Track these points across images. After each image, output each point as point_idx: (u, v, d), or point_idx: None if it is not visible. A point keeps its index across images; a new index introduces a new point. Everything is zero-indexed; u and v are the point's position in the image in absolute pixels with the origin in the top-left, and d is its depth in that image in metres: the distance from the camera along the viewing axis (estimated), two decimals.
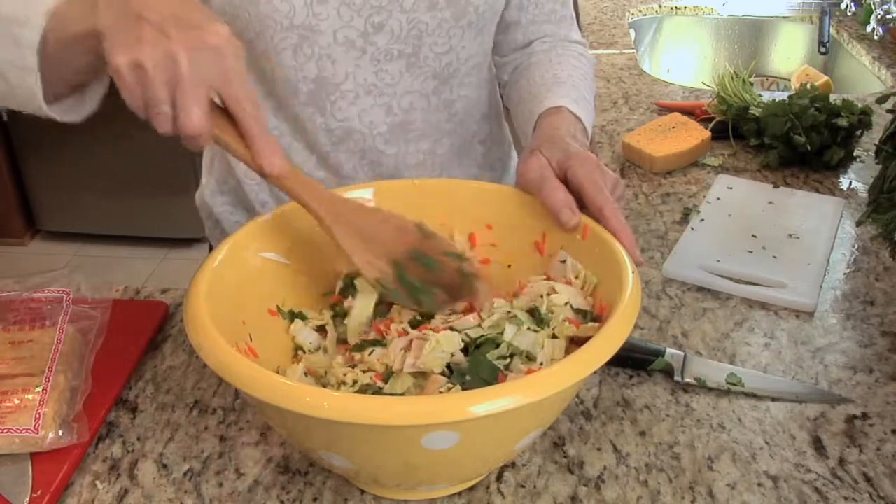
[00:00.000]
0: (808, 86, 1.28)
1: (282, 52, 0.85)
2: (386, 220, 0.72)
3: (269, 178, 0.65)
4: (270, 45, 0.84)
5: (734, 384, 0.76)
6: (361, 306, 0.73)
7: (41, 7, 0.65)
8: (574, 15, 1.03)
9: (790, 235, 1.01)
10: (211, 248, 1.14)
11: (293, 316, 0.74)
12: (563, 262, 0.74)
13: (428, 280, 0.73)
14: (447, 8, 0.86)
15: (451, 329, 0.68)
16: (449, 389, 0.63)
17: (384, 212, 0.73)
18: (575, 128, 0.83)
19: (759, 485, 0.67)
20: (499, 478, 0.68)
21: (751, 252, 0.98)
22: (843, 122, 1.17)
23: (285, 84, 0.88)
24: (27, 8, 0.65)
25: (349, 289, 0.75)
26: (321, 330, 0.74)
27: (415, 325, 0.71)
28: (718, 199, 1.10)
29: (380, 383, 0.65)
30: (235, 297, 0.67)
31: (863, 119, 1.21)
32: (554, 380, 0.54)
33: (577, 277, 0.72)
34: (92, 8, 0.62)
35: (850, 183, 1.16)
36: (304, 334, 0.73)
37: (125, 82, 0.59)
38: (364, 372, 0.67)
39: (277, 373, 0.60)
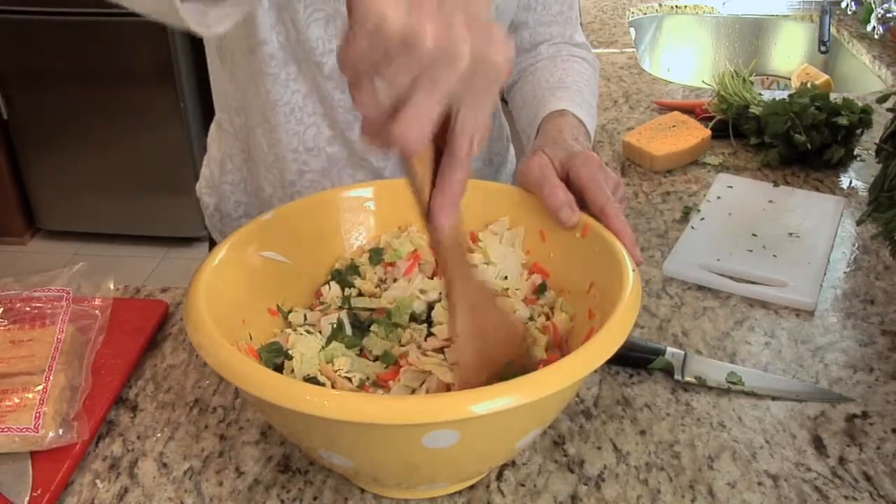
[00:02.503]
0: (809, 84, 1.28)
1: (313, 23, 0.85)
2: (502, 324, 0.63)
3: (430, 234, 0.57)
4: (302, 15, 0.85)
5: (734, 383, 0.76)
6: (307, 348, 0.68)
7: None
8: (579, 17, 1.04)
9: (790, 234, 1.01)
10: (211, 241, 1.15)
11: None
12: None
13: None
14: None
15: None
16: None
17: (504, 313, 0.64)
18: (577, 131, 0.83)
19: (760, 484, 0.67)
20: (499, 476, 0.68)
21: (751, 251, 0.97)
22: (843, 120, 1.17)
23: (311, 55, 0.88)
24: None
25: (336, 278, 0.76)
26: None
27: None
28: (719, 197, 1.10)
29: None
30: (235, 297, 0.67)
31: (863, 118, 1.21)
32: (554, 379, 0.54)
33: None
34: None
35: (851, 182, 1.16)
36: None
37: (369, 36, 0.42)
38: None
39: None
